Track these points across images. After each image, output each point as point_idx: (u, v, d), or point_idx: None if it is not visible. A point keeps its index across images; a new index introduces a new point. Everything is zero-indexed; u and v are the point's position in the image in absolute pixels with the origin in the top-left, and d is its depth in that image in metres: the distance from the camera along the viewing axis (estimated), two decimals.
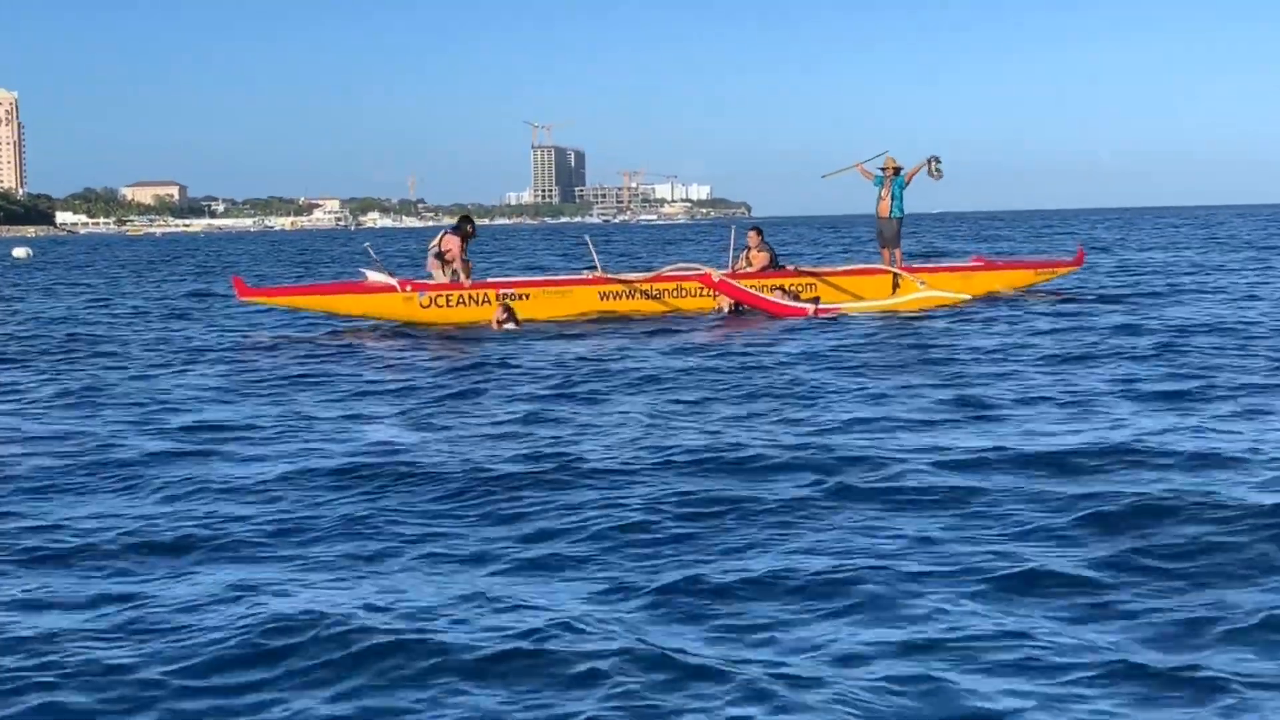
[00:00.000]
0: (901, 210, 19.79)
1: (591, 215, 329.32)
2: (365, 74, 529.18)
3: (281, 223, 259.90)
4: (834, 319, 16.90)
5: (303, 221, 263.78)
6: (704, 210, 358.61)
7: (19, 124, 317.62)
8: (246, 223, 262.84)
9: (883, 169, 19.95)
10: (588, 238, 20.98)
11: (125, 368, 13.90)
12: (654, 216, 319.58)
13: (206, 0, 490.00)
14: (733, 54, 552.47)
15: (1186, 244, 44.92)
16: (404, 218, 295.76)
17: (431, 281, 18.40)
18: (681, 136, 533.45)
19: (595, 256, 19.36)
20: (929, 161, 19.90)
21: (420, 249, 59.16)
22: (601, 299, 18.31)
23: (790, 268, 19.88)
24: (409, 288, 17.98)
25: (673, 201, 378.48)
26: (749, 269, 19.03)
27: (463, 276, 18.18)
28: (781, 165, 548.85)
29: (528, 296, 18.12)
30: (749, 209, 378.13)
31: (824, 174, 21.17)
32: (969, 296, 18.43)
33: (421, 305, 17.81)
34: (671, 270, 19.10)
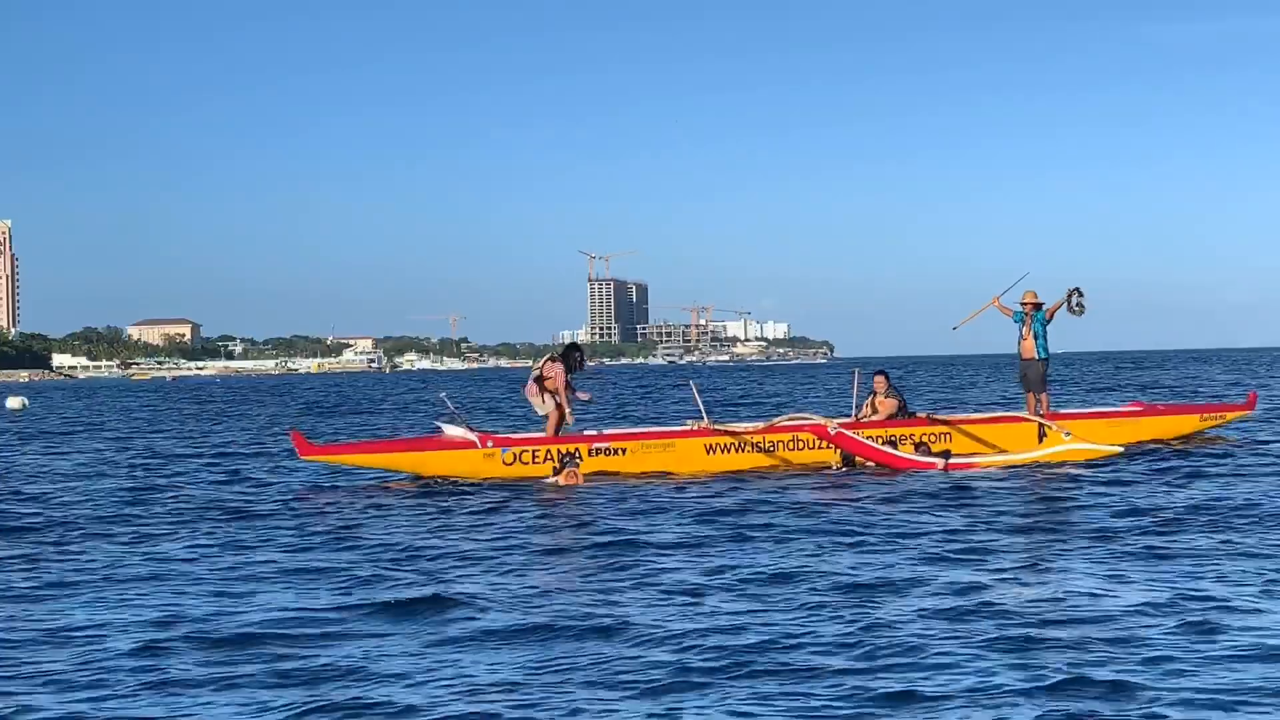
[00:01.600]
0: (1046, 350, 20.11)
1: (655, 356, 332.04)
2: (397, 199, 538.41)
3: (307, 364, 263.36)
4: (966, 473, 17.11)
5: (330, 363, 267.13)
6: (781, 350, 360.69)
7: (12, 255, 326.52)
8: (268, 365, 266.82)
9: (1022, 304, 20.28)
10: (692, 383, 21.38)
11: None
12: (726, 357, 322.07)
13: (228, 118, 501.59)
14: (809, 182, 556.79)
15: None
16: (445, 359, 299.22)
17: (533, 411, 18.89)
18: (754, 269, 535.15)
19: (700, 404, 19.72)
20: (1069, 295, 20.26)
21: (470, 395, 59.67)
22: (709, 452, 18.66)
23: (922, 415, 20.25)
24: (490, 443, 18.38)
25: (746, 340, 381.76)
26: (875, 417, 19.33)
27: (567, 410, 18.59)
28: (866, 301, 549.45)
29: (625, 451, 18.47)
30: (832, 349, 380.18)
31: (955, 325, 21.44)
32: (1121, 448, 18.55)
33: (504, 462, 18.21)
34: (785, 420, 19.44)
